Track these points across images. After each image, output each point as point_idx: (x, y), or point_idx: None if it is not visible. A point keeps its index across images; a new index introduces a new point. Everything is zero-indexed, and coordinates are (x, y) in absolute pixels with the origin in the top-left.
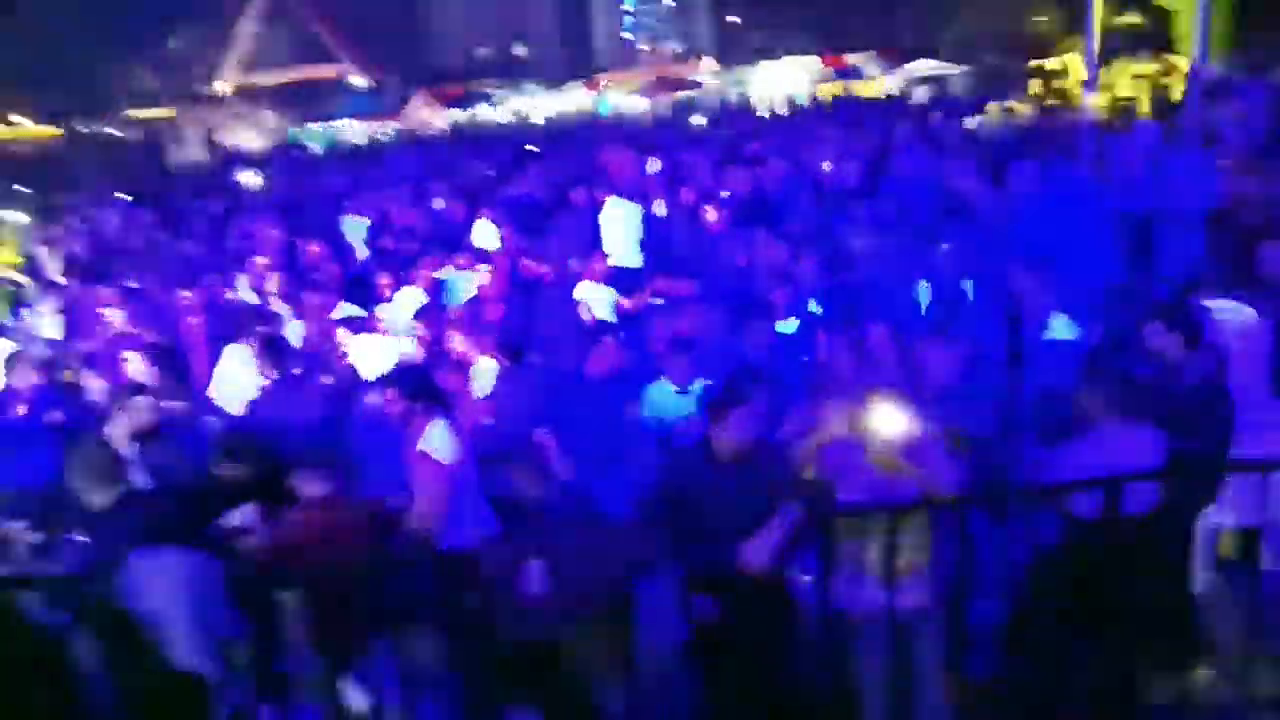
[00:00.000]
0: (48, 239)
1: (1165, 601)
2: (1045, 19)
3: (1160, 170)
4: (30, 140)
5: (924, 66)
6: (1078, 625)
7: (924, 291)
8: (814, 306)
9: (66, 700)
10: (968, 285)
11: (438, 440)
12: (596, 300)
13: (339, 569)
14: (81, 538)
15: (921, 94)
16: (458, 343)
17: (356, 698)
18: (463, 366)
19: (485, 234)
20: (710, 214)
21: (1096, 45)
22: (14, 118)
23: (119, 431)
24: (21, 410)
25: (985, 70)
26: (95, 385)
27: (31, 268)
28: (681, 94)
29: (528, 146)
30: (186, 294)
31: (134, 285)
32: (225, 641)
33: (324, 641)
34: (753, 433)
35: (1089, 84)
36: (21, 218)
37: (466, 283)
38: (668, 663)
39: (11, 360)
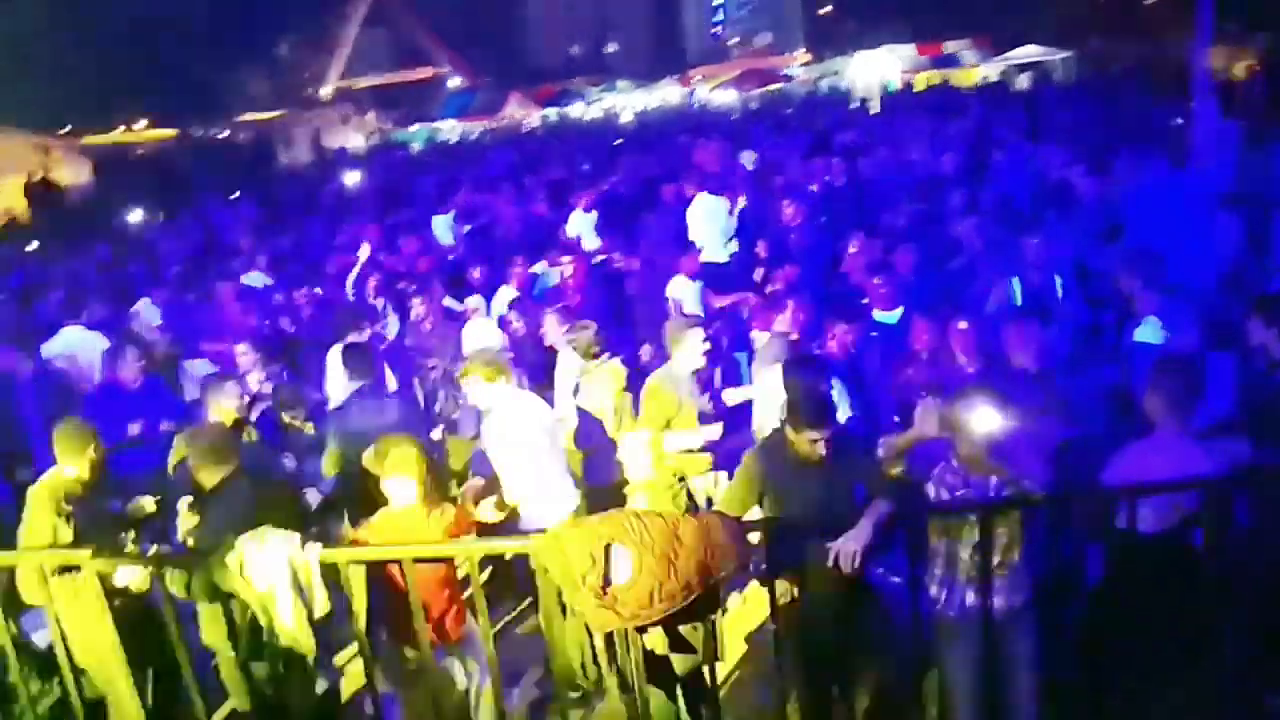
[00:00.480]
0: (162, 236)
1: (1262, 615)
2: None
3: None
4: (147, 143)
5: (1026, 53)
6: (1167, 631)
7: (1015, 286)
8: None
9: (176, 672)
10: (1058, 281)
11: (500, 421)
12: (687, 296)
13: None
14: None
15: (1023, 81)
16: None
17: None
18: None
19: (577, 228)
20: (788, 209)
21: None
22: (136, 125)
23: (219, 417)
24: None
25: (1091, 56)
26: (200, 375)
27: (144, 264)
28: (772, 86)
29: (616, 141)
30: (299, 291)
31: (243, 281)
32: (324, 621)
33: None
34: (831, 433)
35: (1200, 68)
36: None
37: (554, 276)
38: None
39: (119, 352)
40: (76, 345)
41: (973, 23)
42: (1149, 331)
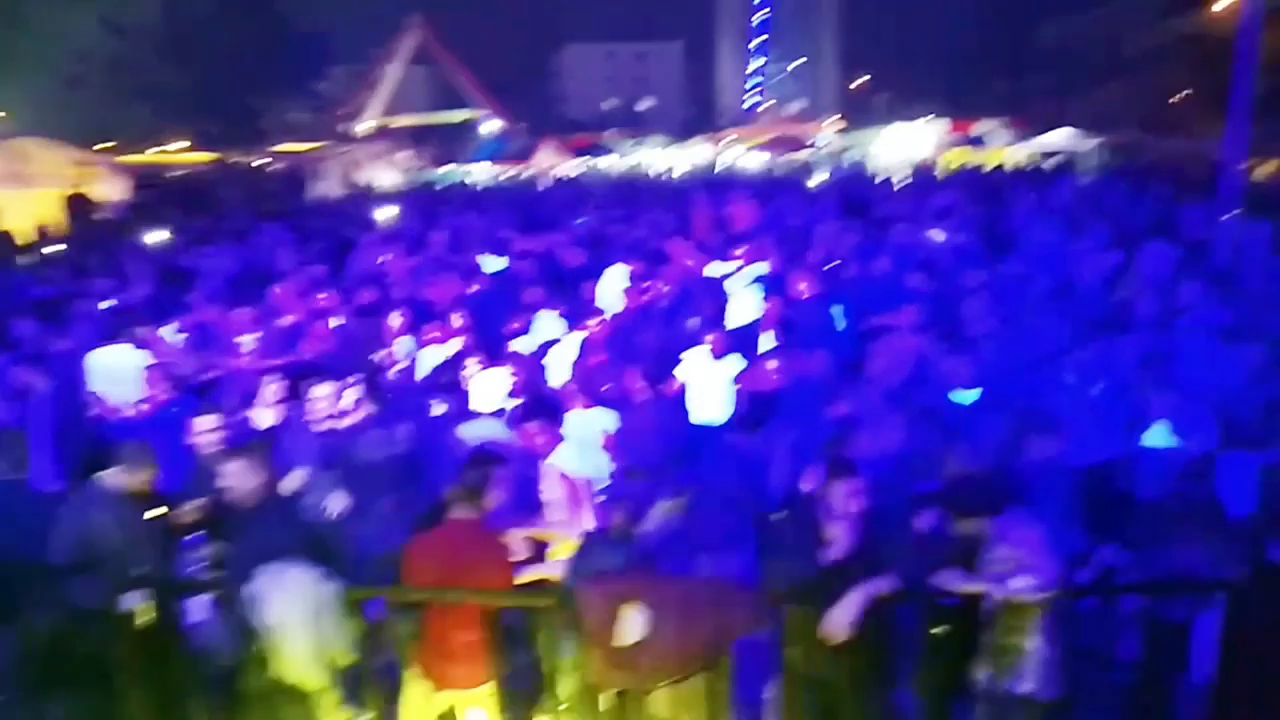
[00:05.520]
0: (190, 258)
1: None
2: (1190, 93)
3: None
4: (185, 165)
5: (1056, 138)
6: None
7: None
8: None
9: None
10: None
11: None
12: (703, 373)
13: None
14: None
15: (1049, 167)
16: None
17: None
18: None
19: (610, 282)
20: (802, 286)
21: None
22: (174, 145)
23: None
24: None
25: (1120, 147)
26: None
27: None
28: (800, 154)
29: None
30: (322, 320)
31: (263, 310)
32: (334, 652)
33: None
34: (855, 505)
35: (1231, 164)
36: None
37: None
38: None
39: (149, 371)
40: (119, 364)
41: (1007, 103)
42: (1161, 436)
